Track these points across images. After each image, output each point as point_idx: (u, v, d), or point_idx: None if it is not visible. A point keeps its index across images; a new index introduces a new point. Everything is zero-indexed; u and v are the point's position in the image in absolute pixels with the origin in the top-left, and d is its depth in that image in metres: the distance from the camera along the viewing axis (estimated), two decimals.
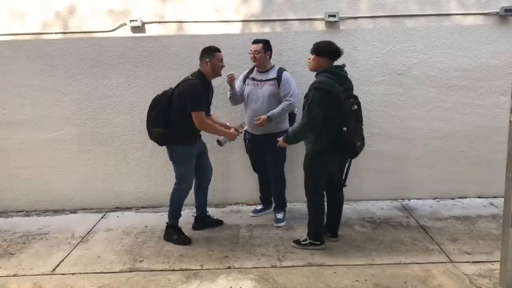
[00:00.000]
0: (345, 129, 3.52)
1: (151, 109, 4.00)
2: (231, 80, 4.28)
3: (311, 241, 3.89)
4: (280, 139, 3.85)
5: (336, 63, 3.73)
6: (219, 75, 4.09)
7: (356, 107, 3.62)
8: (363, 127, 3.81)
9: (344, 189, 3.99)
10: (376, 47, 4.76)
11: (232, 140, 4.10)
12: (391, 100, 4.87)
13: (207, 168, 4.36)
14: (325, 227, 4.05)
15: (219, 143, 4.08)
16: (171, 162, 4.11)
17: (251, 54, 4.31)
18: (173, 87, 4.02)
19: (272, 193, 4.71)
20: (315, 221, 3.90)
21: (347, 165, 3.91)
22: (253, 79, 4.40)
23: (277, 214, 4.56)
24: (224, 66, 4.08)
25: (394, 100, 4.86)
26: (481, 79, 4.82)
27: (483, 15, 4.71)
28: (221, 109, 4.84)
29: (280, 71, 4.34)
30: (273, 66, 4.41)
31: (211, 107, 4.23)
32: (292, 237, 4.15)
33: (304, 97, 3.71)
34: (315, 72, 3.72)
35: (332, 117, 3.53)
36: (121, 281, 3.48)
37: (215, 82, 4.73)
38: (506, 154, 3.00)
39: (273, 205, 4.72)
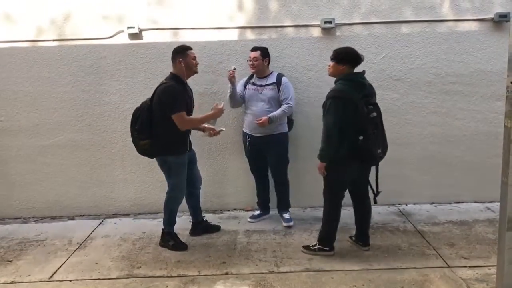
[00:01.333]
0: (361, 137, 3.50)
1: (133, 123, 3.93)
2: (232, 75, 4.33)
3: (320, 246, 3.89)
4: (319, 166, 3.70)
5: (357, 69, 3.72)
6: (196, 72, 4.04)
7: (375, 114, 3.58)
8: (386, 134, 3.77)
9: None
10: (372, 53, 4.79)
11: (218, 115, 4.00)
12: (388, 106, 4.88)
13: (196, 177, 4.33)
14: (355, 236, 4.07)
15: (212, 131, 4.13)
16: None
17: (250, 61, 4.39)
18: (149, 97, 3.96)
19: (269, 198, 4.79)
20: (327, 228, 3.88)
21: (376, 172, 3.84)
22: (254, 84, 4.49)
23: (284, 215, 4.62)
24: (198, 63, 4.03)
25: (390, 105, 4.88)
26: (477, 84, 4.86)
27: (478, 21, 4.75)
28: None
29: (280, 76, 4.45)
30: (272, 72, 4.50)
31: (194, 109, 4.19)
32: (289, 243, 4.17)
33: (322, 105, 3.67)
34: (334, 79, 3.71)
35: (349, 125, 3.51)
36: (119, 287, 3.48)
37: (213, 88, 4.78)
38: (501, 159, 3.02)
39: (270, 209, 4.82)
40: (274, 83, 4.41)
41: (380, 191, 3.87)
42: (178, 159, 3.99)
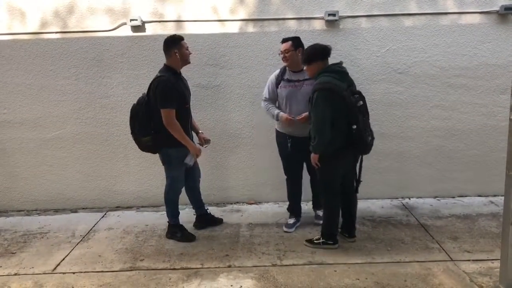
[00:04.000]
0: (354, 127, 3.52)
1: (133, 119, 3.90)
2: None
3: (324, 240, 3.89)
4: (313, 157, 3.73)
5: (331, 60, 3.73)
6: (189, 62, 4.00)
7: (361, 102, 3.60)
8: (370, 121, 3.80)
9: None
10: (376, 46, 4.76)
11: (195, 154, 3.98)
12: (391, 99, 4.87)
13: (195, 170, 4.30)
14: (341, 227, 4.06)
15: (185, 164, 4.01)
16: None
17: (281, 54, 4.06)
18: (145, 92, 3.95)
19: (297, 200, 4.50)
20: (330, 222, 3.89)
21: (358, 163, 3.90)
22: (289, 80, 4.12)
23: (318, 212, 4.47)
24: (191, 53, 4.00)
25: (394, 99, 4.87)
26: (481, 77, 4.83)
27: (482, 14, 4.71)
28: (220, 106, 4.84)
29: None
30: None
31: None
32: (292, 236, 4.17)
33: (308, 100, 3.69)
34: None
35: (340, 116, 3.52)
36: (122, 280, 3.49)
37: (215, 81, 4.76)
38: (506, 153, 3.01)
39: (298, 215, 4.54)
40: (311, 78, 3.97)
41: (361, 181, 3.92)
42: (179, 151, 3.96)
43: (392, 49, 4.78)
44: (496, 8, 4.67)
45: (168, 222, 4.23)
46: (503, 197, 3.07)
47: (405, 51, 4.78)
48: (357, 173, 3.91)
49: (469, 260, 3.62)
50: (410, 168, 5.03)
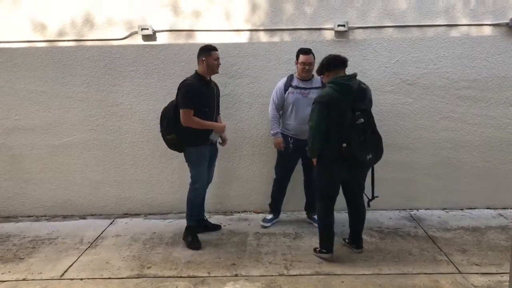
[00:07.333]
0: (344, 145, 3.52)
1: (162, 120, 4.13)
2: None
3: (320, 249, 3.89)
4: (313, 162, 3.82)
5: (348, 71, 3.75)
6: (216, 72, 4.15)
7: (362, 120, 3.54)
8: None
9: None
10: (386, 57, 4.77)
11: (221, 132, 4.23)
12: (400, 110, 4.86)
13: (208, 175, 4.37)
14: (349, 238, 4.06)
15: (211, 141, 4.20)
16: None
17: (302, 65, 4.26)
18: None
19: (279, 199, 4.76)
20: (322, 230, 3.88)
21: (371, 176, 3.88)
22: (297, 87, 4.35)
23: (314, 216, 4.58)
24: (220, 64, 4.14)
25: (403, 110, 4.86)
26: (491, 89, 4.81)
27: (493, 26, 4.71)
28: (229, 115, 4.87)
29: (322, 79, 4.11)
30: (313, 75, 4.34)
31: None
32: (299, 246, 4.16)
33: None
34: None
35: (334, 129, 3.55)
36: (129, 287, 3.50)
37: (225, 90, 4.78)
38: None
39: (277, 213, 4.79)
40: (319, 87, 4.27)
41: (377, 196, 3.89)
42: (197, 150, 4.09)
43: (401, 60, 4.79)
44: (506, 20, 4.67)
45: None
46: None
47: (414, 62, 4.78)
48: (371, 187, 3.87)
49: (477, 273, 3.59)
50: (419, 179, 5.01)
